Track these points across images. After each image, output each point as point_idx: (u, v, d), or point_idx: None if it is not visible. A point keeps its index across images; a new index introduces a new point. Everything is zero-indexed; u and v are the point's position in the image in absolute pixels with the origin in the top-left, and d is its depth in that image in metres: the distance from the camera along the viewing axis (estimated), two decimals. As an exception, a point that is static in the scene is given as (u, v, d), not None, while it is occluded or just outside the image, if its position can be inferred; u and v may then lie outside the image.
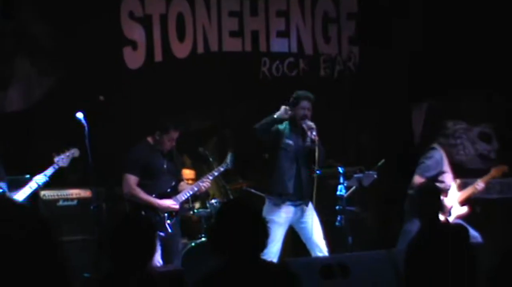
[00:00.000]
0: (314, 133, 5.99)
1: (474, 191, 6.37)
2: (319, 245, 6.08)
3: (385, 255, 5.31)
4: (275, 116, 6.07)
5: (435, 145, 6.43)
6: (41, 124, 6.47)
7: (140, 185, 6.00)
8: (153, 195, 6.01)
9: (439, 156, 6.34)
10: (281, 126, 6.18)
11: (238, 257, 3.03)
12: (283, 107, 6.08)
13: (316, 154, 5.96)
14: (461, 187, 6.39)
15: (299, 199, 6.10)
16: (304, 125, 6.07)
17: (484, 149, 7.95)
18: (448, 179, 6.31)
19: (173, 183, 6.16)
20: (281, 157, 6.09)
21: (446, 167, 6.34)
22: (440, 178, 6.28)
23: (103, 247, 3.01)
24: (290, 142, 6.13)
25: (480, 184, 6.37)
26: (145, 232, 3.02)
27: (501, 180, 7.10)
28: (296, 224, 6.16)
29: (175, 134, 6.05)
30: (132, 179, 5.96)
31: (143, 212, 5.88)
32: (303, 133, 6.13)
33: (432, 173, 6.26)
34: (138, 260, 2.99)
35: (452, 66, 7.61)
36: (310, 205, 6.16)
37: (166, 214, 6.03)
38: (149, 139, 6.10)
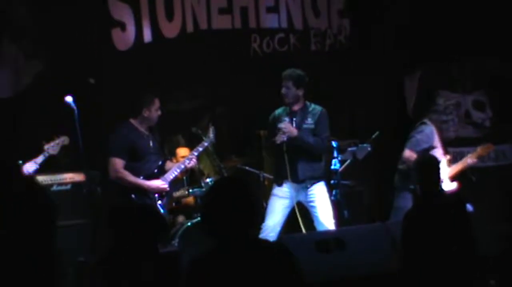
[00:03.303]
0: (282, 136, 5.95)
1: (464, 165, 6.31)
2: (325, 225, 5.96)
3: (381, 228, 5.30)
4: None
5: (426, 120, 6.40)
6: (30, 109, 6.41)
7: (126, 167, 5.86)
8: (141, 177, 5.90)
9: (430, 130, 6.31)
10: (278, 111, 6.17)
11: (231, 235, 2.94)
12: None
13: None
14: (451, 162, 6.35)
15: (294, 181, 6.03)
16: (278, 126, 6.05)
17: (479, 118, 7.90)
18: (438, 154, 6.26)
19: (160, 163, 6.07)
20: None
21: (436, 142, 6.31)
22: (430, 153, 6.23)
23: (103, 229, 2.97)
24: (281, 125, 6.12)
25: (470, 160, 6.31)
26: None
27: (496, 147, 7.06)
28: (304, 203, 6.12)
29: (158, 102, 5.97)
30: (118, 163, 5.82)
31: (132, 196, 5.82)
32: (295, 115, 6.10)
33: (422, 147, 6.22)
34: (151, 241, 2.96)
35: (443, 33, 7.54)
36: (318, 185, 6.07)
37: (156, 195, 5.97)
38: (132, 120, 5.97)
